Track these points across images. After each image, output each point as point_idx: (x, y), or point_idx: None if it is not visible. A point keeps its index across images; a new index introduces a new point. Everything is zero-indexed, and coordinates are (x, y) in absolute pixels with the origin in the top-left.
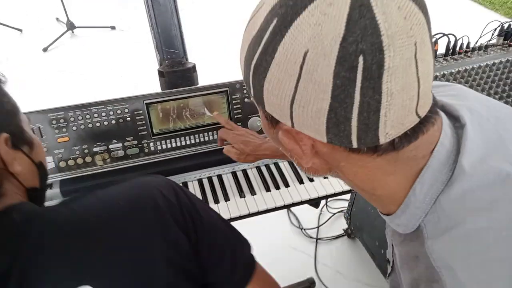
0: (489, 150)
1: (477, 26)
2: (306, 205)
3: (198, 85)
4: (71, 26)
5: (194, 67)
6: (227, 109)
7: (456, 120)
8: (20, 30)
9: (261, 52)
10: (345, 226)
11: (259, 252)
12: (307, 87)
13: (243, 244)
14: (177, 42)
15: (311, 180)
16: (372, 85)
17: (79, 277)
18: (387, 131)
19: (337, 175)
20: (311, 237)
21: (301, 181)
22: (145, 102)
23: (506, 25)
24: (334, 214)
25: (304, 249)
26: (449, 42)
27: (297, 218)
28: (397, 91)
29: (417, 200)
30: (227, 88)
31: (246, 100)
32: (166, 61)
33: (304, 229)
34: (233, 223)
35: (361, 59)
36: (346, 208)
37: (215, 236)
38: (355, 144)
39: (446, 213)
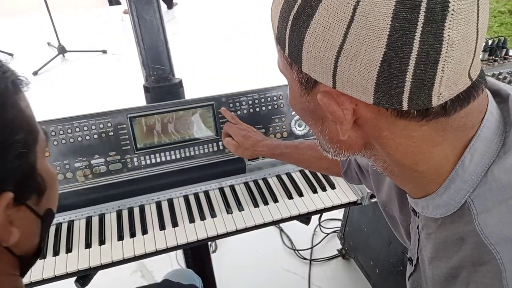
0: None
1: None
2: (299, 225)
3: (184, 99)
4: (62, 50)
5: (180, 82)
6: (213, 123)
7: (495, 95)
8: (11, 55)
9: None
10: (339, 246)
11: (251, 275)
12: (359, 33)
13: None
14: (163, 58)
15: (301, 195)
16: (434, 30)
17: None
18: (441, 91)
19: (372, 153)
20: (304, 259)
21: (290, 196)
22: (128, 116)
23: (490, 41)
24: (328, 234)
25: (297, 271)
26: None
27: (289, 239)
28: (457, 40)
29: (465, 172)
30: (213, 102)
31: (232, 113)
32: (152, 77)
33: (297, 250)
34: (221, 240)
35: None
36: (339, 228)
37: None
38: (405, 106)
39: (502, 183)
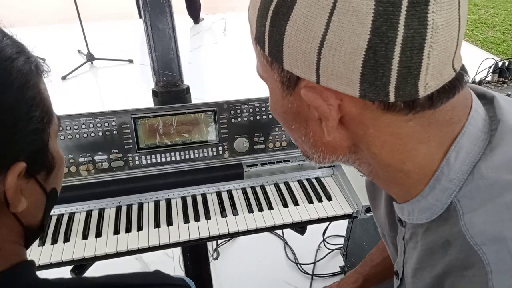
0: None
1: (472, 64)
2: (303, 239)
3: (186, 103)
4: (90, 58)
5: (187, 88)
6: (214, 128)
7: (480, 97)
8: (44, 60)
9: None
10: (343, 263)
11: (251, 284)
12: (342, 20)
13: None
14: (173, 65)
15: (296, 204)
16: (418, 13)
17: None
18: (427, 81)
19: (356, 156)
20: (306, 273)
21: (285, 205)
22: (132, 116)
23: (500, 63)
24: (333, 250)
25: (298, 285)
26: None
27: (293, 252)
28: (441, 25)
29: (451, 170)
30: (214, 108)
31: (233, 120)
32: (161, 82)
33: (300, 264)
34: (224, 247)
35: None
36: (343, 245)
37: None
38: (392, 97)
39: (490, 181)
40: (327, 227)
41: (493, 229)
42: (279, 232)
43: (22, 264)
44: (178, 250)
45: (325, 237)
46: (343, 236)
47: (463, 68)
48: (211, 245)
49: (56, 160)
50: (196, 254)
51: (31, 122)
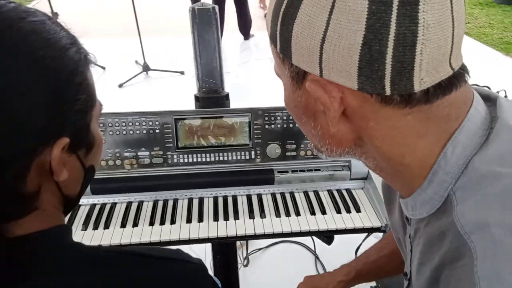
0: None
1: None
2: (335, 256)
3: (223, 108)
4: (146, 68)
5: (227, 95)
6: (248, 134)
7: (485, 100)
8: (104, 68)
9: None
10: (374, 283)
11: None
12: (340, 18)
13: None
14: (216, 74)
15: (324, 213)
16: (409, 12)
17: None
18: (422, 76)
19: (362, 150)
20: None
21: (312, 212)
22: (174, 117)
23: None
24: None
25: None
26: None
27: (324, 268)
28: (433, 23)
29: (447, 164)
30: (249, 114)
31: (266, 126)
32: (204, 89)
33: None
34: (254, 256)
35: None
36: None
37: None
38: (388, 90)
39: (481, 173)
40: (359, 245)
41: (480, 217)
42: (311, 246)
43: (61, 226)
44: (209, 254)
45: (357, 255)
46: None
47: (463, 67)
48: (241, 252)
49: (95, 140)
50: (226, 258)
51: (76, 103)
